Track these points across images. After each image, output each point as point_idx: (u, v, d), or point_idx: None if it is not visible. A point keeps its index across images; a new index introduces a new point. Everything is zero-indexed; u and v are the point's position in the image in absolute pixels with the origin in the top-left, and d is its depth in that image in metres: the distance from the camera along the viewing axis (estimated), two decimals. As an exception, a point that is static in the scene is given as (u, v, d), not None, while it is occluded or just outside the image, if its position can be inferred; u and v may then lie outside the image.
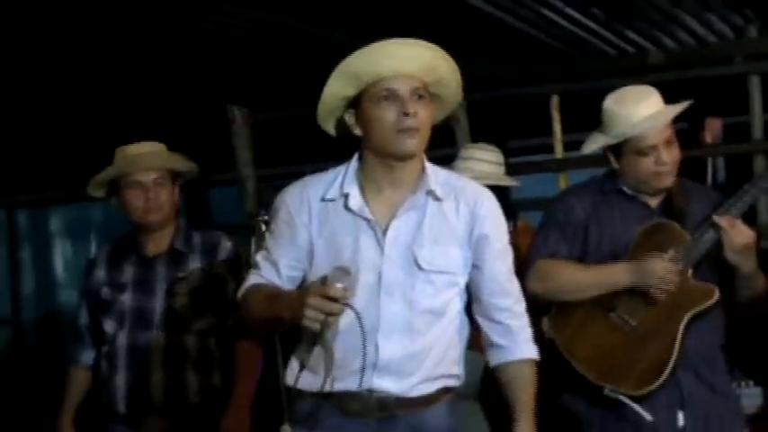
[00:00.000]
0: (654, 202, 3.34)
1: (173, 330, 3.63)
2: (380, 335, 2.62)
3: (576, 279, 3.30)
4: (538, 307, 3.41)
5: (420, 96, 2.65)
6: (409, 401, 2.66)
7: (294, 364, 2.75)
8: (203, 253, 3.71)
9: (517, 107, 6.33)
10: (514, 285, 2.82)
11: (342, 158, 2.79)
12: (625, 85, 3.45)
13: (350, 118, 2.70)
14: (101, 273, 3.78)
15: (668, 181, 3.29)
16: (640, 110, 3.26)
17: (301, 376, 2.68)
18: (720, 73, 5.69)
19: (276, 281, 2.75)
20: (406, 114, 2.61)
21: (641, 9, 5.18)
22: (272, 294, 2.71)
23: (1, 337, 8.00)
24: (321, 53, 5.38)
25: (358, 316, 2.56)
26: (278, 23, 4.94)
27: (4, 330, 8.02)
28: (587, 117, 3.45)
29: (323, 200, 2.71)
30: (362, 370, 2.61)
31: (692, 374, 3.24)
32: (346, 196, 2.69)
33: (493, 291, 2.76)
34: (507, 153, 4.70)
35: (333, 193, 2.71)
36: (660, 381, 3.16)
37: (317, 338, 2.60)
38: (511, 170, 4.53)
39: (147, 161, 3.68)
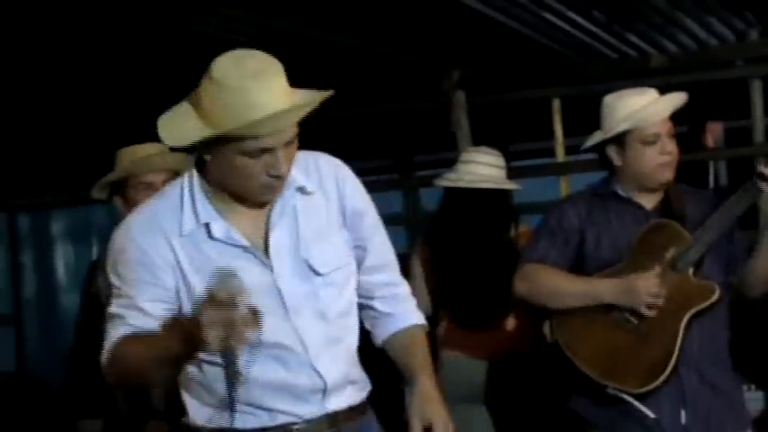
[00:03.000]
0: (649, 204, 3.36)
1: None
2: (313, 359, 2.42)
3: (558, 288, 3.32)
4: (537, 311, 3.43)
5: (290, 143, 2.33)
6: (352, 411, 2.51)
7: (201, 403, 2.47)
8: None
9: (518, 111, 6.33)
10: (393, 255, 2.62)
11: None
12: (626, 89, 3.47)
13: (201, 144, 2.33)
14: (102, 276, 3.77)
15: (670, 174, 3.31)
16: (642, 99, 3.32)
17: (220, 414, 2.41)
18: (722, 76, 5.69)
19: (150, 325, 2.35)
20: (277, 177, 2.32)
21: (642, 12, 5.18)
22: (149, 337, 2.33)
23: (3, 340, 8.00)
24: (321, 57, 5.38)
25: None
26: (278, 28, 4.94)
27: (5, 334, 8.01)
28: (589, 121, 3.45)
29: (182, 235, 2.38)
30: (313, 397, 2.44)
31: (695, 374, 3.25)
32: (207, 225, 2.38)
33: (377, 266, 2.56)
34: (509, 157, 4.71)
35: (189, 224, 2.38)
36: (662, 378, 3.18)
37: (229, 365, 2.25)
38: (512, 174, 4.54)
39: (159, 162, 3.67)
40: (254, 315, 2.16)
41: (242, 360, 2.25)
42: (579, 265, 3.36)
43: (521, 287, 3.38)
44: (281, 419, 2.43)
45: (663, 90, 3.41)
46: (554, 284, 3.33)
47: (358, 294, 2.57)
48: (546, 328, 3.44)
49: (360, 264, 2.55)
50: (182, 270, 2.38)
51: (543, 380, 3.93)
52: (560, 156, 5.90)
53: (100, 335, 3.70)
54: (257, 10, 4.73)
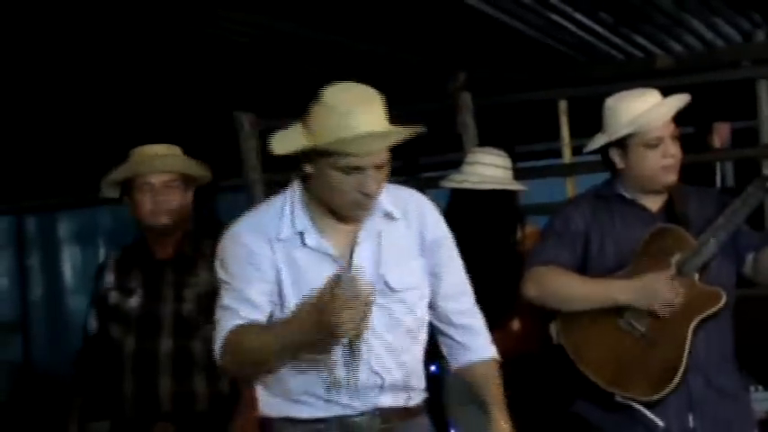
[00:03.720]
0: (654, 205, 3.34)
1: (180, 336, 3.63)
2: (374, 360, 2.65)
3: (570, 290, 3.30)
4: (543, 312, 3.42)
5: (381, 167, 2.61)
6: (406, 411, 2.72)
7: (271, 394, 2.73)
8: (212, 258, 3.69)
9: (525, 112, 6.33)
10: (468, 285, 2.87)
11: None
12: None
13: (302, 156, 2.63)
14: (109, 278, 3.77)
15: (673, 177, 3.29)
16: (644, 102, 3.30)
17: (294, 405, 2.69)
18: (728, 77, 5.68)
19: (259, 318, 2.65)
20: (366, 194, 2.59)
21: (648, 13, 5.17)
22: (270, 327, 2.63)
23: (10, 342, 8.02)
24: (328, 59, 5.39)
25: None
26: (285, 30, 4.94)
27: (12, 335, 8.03)
28: (595, 122, 3.44)
29: (279, 239, 2.66)
30: (371, 391, 2.67)
31: (701, 378, 3.24)
32: (301, 234, 2.66)
33: (453, 294, 2.81)
34: (515, 158, 4.70)
35: (286, 231, 2.66)
36: (671, 386, 3.17)
37: (352, 351, 2.62)
38: (518, 175, 4.53)
39: (160, 163, 3.67)
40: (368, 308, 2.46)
41: (362, 346, 2.61)
42: (583, 268, 3.34)
43: (530, 289, 3.34)
44: (338, 411, 2.66)
45: (669, 91, 3.40)
46: (565, 286, 3.30)
47: (436, 321, 2.82)
48: (552, 330, 3.43)
49: (435, 290, 2.78)
50: (278, 268, 2.64)
51: (549, 381, 3.92)
52: (567, 157, 5.89)
53: (107, 337, 3.73)
54: (260, 11, 4.73)
